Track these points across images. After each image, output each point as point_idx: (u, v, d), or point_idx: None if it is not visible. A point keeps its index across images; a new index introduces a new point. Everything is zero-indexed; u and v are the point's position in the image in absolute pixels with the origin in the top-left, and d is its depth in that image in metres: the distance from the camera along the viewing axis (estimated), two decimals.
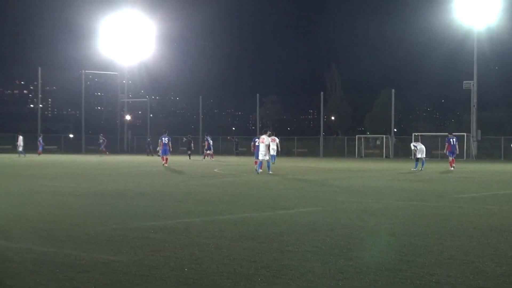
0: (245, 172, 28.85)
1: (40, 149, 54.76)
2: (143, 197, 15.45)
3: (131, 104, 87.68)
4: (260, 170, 27.05)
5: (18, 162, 38.90)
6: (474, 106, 58.65)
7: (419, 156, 31.20)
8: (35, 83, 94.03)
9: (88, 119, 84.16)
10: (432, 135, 59.76)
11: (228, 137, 69.03)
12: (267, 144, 27.25)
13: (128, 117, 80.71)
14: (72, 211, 12.32)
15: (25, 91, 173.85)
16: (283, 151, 43.19)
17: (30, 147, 56.27)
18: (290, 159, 50.30)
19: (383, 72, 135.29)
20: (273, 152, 30.98)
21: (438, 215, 11.90)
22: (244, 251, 7.98)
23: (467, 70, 62.08)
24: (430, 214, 12.19)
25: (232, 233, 9.51)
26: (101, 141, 59.09)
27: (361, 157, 60.29)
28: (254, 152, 29.80)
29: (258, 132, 56.12)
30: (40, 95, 79.46)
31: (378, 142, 63.87)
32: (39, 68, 74.56)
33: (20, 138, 51.85)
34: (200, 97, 75.92)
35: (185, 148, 53.83)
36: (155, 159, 43.85)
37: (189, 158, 48.13)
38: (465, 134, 56.23)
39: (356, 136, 63.84)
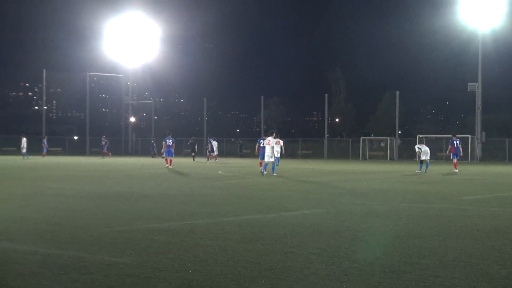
0: (249, 174, 28.84)
1: (45, 151, 54.86)
2: (147, 199, 15.45)
3: (135, 106, 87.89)
4: (265, 172, 27.05)
5: (23, 164, 38.97)
6: (478, 108, 58.54)
7: (423, 158, 31.16)
8: (40, 85, 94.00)
9: (92, 121, 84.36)
10: (436, 137, 59.69)
11: (233, 139, 69.16)
12: (273, 146, 27.23)
13: (132, 119, 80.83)
14: (76, 213, 12.33)
15: (29, 93, 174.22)
16: (287, 153, 43.18)
17: (34, 149, 56.43)
18: (294, 161, 50.28)
19: (388, 74, 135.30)
20: (277, 154, 30.95)
21: (442, 217, 11.88)
22: (248, 253, 7.97)
23: (471, 72, 62.02)
24: (435, 216, 12.17)
25: (236, 235, 9.51)
26: (103, 143, 59.23)
27: (366, 159, 60.24)
28: (258, 154, 29.81)
29: (262, 134, 56.12)
30: (44, 97, 79.62)
31: (382, 144, 63.79)
32: (44, 70, 74.81)
33: (24, 140, 52.03)
34: (205, 99, 75.97)
35: (189, 150, 53.93)
36: (160, 161, 43.88)
37: (193, 160, 48.23)
38: (469, 136, 56.17)
39: (361, 138, 63.78)
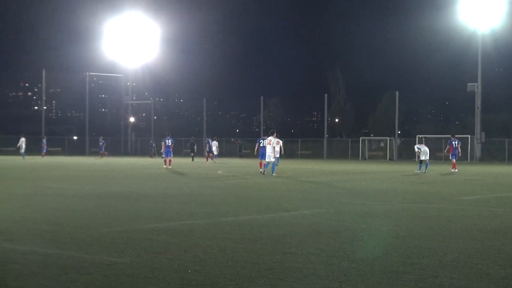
0: (248, 174, 28.85)
1: (44, 151, 54.83)
2: (147, 199, 15.45)
3: (135, 106, 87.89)
4: (265, 172, 27.06)
5: (22, 164, 38.97)
6: (478, 108, 58.58)
7: (423, 158, 31.17)
8: (39, 85, 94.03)
9: (92, 121, 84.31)
10: (436, 137, 59.71)
11: (232, 139, 69.20)
12: (274, 146, 27.22)
13: (132, 119, 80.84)
14: (75, 213, 12.33)
15: (29, 93, 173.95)
16: (286, 153, 43.19)
17: (34, 149, 56.40)
18: (293, 161, 50.29)
19: (387, 74, 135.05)
20: (277, 154, 30.94)
21: (441, 217, 11.88)
22: (247, 253, 7.97)
23: (471, 72, 62.05)
24: (434, 216, 12.17)
25: (236, 235, 9.51)
26: (101, 143, 59.22)
27: (365, 159, 60.27)
28: (257, 154, 29.80)
29: (262, 134, 56.15)
30: (44, 97, 79.68)
31: (382, 144, 63.83)
32: (43, 70, 74.82)
33: (22, 139, 51.76)
34: (204, 99, 76.00)
35: (188, 150, 53.96)
36: (159, 161, 43.86)
37: (192, 160, 48.25)
38: (469, 136, 56.20)
39: (360, 138, 63.83)
